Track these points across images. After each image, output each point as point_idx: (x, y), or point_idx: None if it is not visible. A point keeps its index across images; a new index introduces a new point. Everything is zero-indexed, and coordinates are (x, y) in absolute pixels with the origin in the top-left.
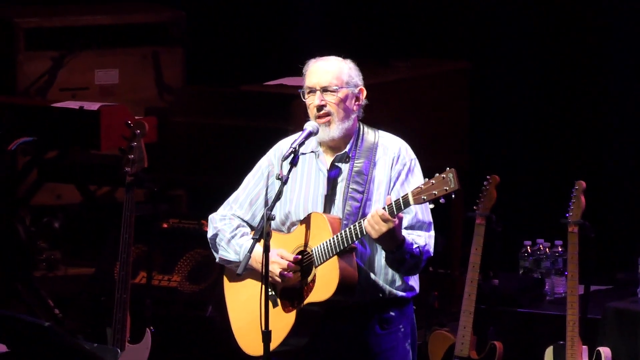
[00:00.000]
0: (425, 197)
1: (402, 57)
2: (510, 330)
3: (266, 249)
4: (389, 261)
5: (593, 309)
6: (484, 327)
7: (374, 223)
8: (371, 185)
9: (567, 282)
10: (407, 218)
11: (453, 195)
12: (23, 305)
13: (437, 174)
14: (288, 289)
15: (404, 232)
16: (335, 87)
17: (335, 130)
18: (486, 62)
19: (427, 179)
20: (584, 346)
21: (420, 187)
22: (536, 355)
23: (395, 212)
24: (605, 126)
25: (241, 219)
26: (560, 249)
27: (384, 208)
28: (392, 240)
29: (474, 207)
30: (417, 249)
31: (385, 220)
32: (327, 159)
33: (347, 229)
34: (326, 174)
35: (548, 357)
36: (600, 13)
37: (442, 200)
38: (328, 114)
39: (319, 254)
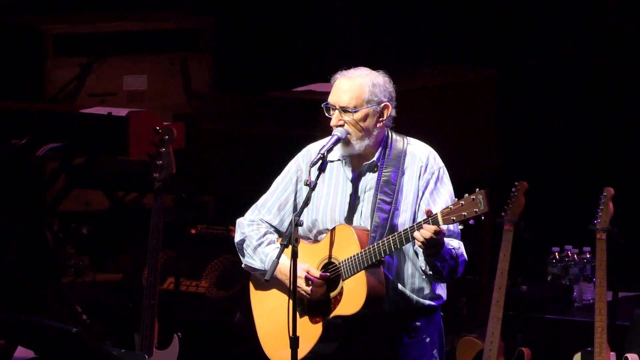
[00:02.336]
0: (454, 218)
1: (429, 65)
2: (539, 336)
3: (294, 255)
4: (431, 267)
5: (621, 315)
6: (512, 334)
7: (426, 237)
8: (399, 195)
9: (595, 288)
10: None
11: (482, 217)
12: (51, 311)
13: (467, 195)
14: (315, 300)
15: None
16: (353, 109)
17: (353, 147)
18: (514, 69)
19: (456, 199)
20: (612, 353)
21: (450, 208)
22: None
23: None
24: (634, 133)
25: (269, 223)
26: (588, 256)
27: (427, 221)
28: (438, 246)
29: (502, 214)
30: (454, 251)
31: (438, 233)
32: (355, 168)
33: (375, 244)
34: (353, 183)
35: None
36: (628, 18)
37: (471, 222)
38: (347, 133)
39: (346, 267)
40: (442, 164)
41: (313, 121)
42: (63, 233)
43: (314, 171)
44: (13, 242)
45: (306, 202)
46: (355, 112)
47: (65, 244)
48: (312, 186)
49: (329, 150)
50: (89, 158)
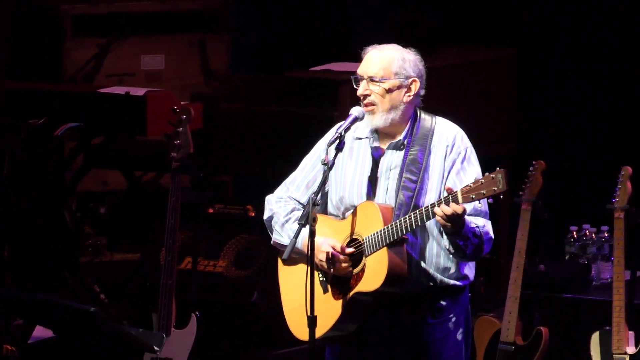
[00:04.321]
0: (474, 196)
1: (449, 44)
2: (556, 315)
3: (311, 234)
4: (454, 245)
5: None
6: (530, 313)
7: (447, 213)
8: (425, 174)
9: (613, 267)
10: (467, 207)
11: (501, 196)
12: (69, 291)
13: (487, 173)
14: (338, 277)
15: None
16: (380, 78)
17: (378, 120)
18: (533, 49)
19: (476, 178)
20: (630, 332)
21: (470, 186)
22: (582, 341)
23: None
24: None
25: (297, 201)
26: (606, 235)
27: (447, 198)
28: (458, 223)
29: (520, 193)
30: (477, 229)
31: (458, 210)
32: (382, 145)
33: (398, 220)
34: (380, 161)
35: (594, 342)
36: None
37: (490, 200)
38: (372, 104)
39: (369, 243)
40: (469, 144)
41: (331, 101)
42: (81, 213)
43: (332, 150)
44: (31, 222)
45: (323, 182)
46: (382, 82)
47: (83, 223)
48: (329, 165)
49: (347, 129)
50: (107, 138)
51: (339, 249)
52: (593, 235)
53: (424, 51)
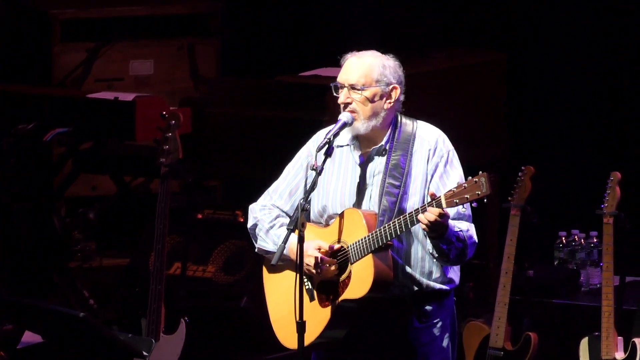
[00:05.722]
0: (457, 201)
1: (439, 48)
2: (546, 321)
3: (300, 240)
4: (438, 249)
5: (628, 300)
6: (519, 318)
7: (430, 220)
8: (408, 178)
9: (602, 273)
10: (450, 212)
11: (485, 200)
12: (58, 296)
13: (470, 177)
14: (325, 283)
15: None
16: (361, 86)
17: (360, 127)
18: (523, 53)
19: (459, 182)
20: (619, 337)
21: (453, 191)
22: (571, 347)
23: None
24: None
25: (280, 209)
26: (595, 240)
27: (430, 204)
28: (442, 228)
29: (509, 198)
30: (461, 233)
31: (442, 216)
32: (364, 151)
33: (382, 227)
34: (362, 167)
35: (583, 348)
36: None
37: (474, 204)
38: (353, 111)
39: (354, 250)
40: (451, 147)
41: (319, 105)
42: (70, 218)
43: (320, 156)
44: (21, 227)
45: (312, 187)
46: (364, 90)
47: (72, 228)
48: (318, 171)
49: (335, 134)
50: (96, 143)
51: (326, 247)
52: (582, 240)
53: (414, 55)
